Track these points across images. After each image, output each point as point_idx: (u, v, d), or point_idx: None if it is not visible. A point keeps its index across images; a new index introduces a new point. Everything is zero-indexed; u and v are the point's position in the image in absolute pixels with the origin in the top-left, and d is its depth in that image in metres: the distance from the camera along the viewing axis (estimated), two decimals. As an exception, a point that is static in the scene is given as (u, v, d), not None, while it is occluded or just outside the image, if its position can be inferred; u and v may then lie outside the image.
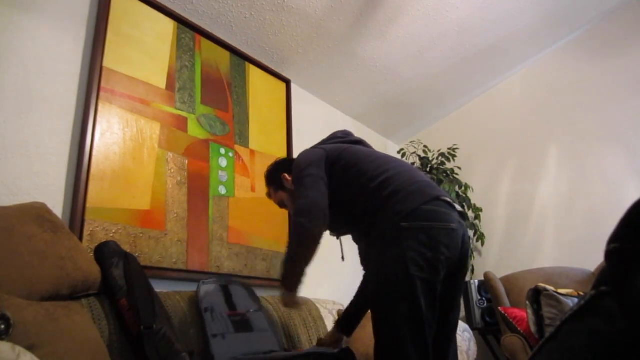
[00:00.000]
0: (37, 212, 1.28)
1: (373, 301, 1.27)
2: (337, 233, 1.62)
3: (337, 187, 1.43)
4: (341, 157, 1.47)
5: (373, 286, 1.29)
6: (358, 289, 1.72)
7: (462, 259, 1.34)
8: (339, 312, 2.36)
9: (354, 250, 1.64)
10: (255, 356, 1.48)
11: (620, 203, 2.69)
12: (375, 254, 1.30)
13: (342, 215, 1.47)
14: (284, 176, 1.67)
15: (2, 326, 0.86)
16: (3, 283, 1.05)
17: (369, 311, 1.63)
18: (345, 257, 1.69)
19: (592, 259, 2.58)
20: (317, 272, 2.67)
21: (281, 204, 1.73)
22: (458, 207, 1.35)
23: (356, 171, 1.41)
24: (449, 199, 1.32)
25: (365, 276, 1.65)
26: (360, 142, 1.65)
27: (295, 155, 1.71)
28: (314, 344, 1.86)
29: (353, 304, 1.72)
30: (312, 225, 1.35)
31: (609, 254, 0.48)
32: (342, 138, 1.65)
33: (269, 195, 1.78)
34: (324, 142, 1.65)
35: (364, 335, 2.04)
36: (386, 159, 1.46)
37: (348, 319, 1.72)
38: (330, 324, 2.19)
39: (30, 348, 0.87)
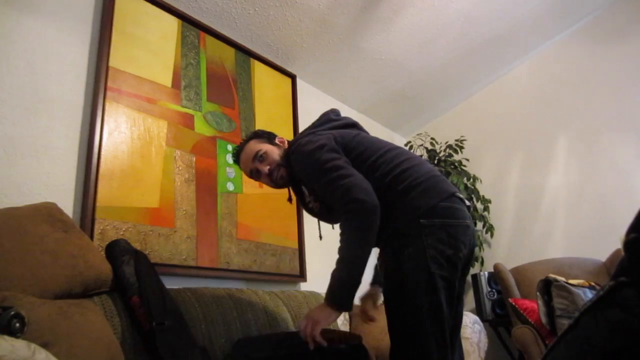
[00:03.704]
0: (48, 212, 1.30)
1: (392, 298, 1.24)
2: (337, 223, 1.59)
3: None
4: (352, 147, 1.38)
5: (392, 283, 1.25)
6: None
7: (470, 254, 1.33)
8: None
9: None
10: (263, 342, 1.47)
11: (631, 192, 2.66)
12: (393, 250, 1.27)
13: None
14: (279, 138, 1.58)
15: (17, 324, 0.87)
16: (17, 282, 1.07)
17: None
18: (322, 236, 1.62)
19: (603, 249, 2.56)
20: (327, 262, 2.68)
21: (257, 158, 1.51)
22: (467, 202, 1.33)
23: (369, 164, 1.34)
24: (461, 195, 1.31)
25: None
26: (354, 124, 1.58)
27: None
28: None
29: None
30: (373, 201, 1.21)
31: (628, 245, 0.48)
32: (337, 120, 1.55)
33: (238, 150, 1.57)
34: (317, 126, 1.53)
35: (375, 329, 2.05)
36: (397, 150, 1.40)
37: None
38: (341, 316, 2.20)
39: (44, 345, 0.89)
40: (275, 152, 1.52)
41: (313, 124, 1.56)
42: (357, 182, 1.24)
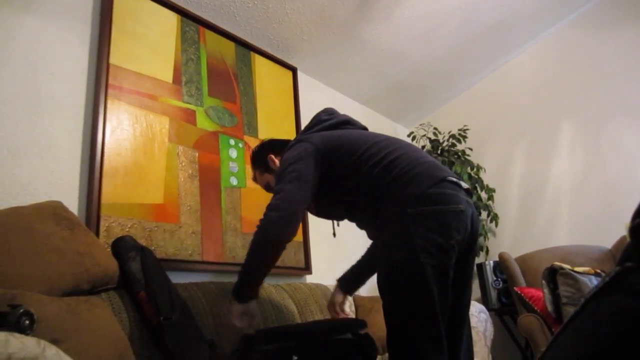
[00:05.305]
0: (53, 210, 1.31)
1: (383, 291, 1.23)
2: (340, 220, 1.60)
3: (337, 179, 1.37)
4: (337, 147, 1.39)
5: (382, 276, 1.24)
6: (367, 250, 1.69)
7: (472, 239, 1.30)
8: (354, 297, 2.38)
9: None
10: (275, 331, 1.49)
11: (636, 179, 2.64)
12: (383, 242, 1.26)
13: (344, 209, 1.44)
14: (270, 157, 1.62)
15: (27, 322, 0.88)
16: (25, 280, 1.08)
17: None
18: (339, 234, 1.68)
19: (609, 236, 2.55)
20: (332, 255, 2.68)
21: (267, 188, 1.66)
22: (464, 185, 1.29)
23: (356, 159, 1.34)
24: (455, 179, 1.27)
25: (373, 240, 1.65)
26: (348, 121, 1.57)
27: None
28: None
29: (360, 263, 1.70)
30: (279, 226, 1.32)
31: (634, 229, 0.47)
32: (328, 120, 1.55)
33: (254, 178, 1.73)
34: (308, 128, 1.56)
35: (381, 319, 2.05)
36: (387, 140, 1.38)
37: (353, 278, 1.72)
38: (347, 308, 2.21)
39: (54, 342, 0.90)
40: (267, 180, 1.65)
41: (306, 126, 1.59)
42: (286, 201, 1.35)
